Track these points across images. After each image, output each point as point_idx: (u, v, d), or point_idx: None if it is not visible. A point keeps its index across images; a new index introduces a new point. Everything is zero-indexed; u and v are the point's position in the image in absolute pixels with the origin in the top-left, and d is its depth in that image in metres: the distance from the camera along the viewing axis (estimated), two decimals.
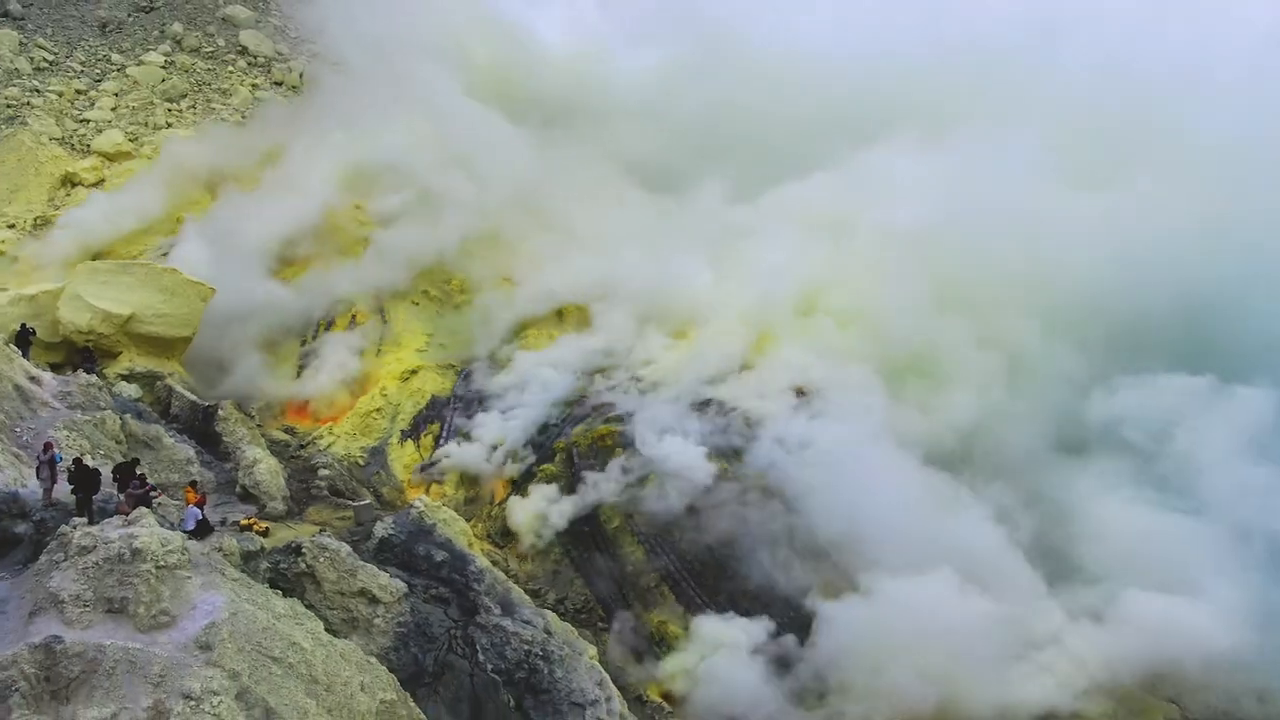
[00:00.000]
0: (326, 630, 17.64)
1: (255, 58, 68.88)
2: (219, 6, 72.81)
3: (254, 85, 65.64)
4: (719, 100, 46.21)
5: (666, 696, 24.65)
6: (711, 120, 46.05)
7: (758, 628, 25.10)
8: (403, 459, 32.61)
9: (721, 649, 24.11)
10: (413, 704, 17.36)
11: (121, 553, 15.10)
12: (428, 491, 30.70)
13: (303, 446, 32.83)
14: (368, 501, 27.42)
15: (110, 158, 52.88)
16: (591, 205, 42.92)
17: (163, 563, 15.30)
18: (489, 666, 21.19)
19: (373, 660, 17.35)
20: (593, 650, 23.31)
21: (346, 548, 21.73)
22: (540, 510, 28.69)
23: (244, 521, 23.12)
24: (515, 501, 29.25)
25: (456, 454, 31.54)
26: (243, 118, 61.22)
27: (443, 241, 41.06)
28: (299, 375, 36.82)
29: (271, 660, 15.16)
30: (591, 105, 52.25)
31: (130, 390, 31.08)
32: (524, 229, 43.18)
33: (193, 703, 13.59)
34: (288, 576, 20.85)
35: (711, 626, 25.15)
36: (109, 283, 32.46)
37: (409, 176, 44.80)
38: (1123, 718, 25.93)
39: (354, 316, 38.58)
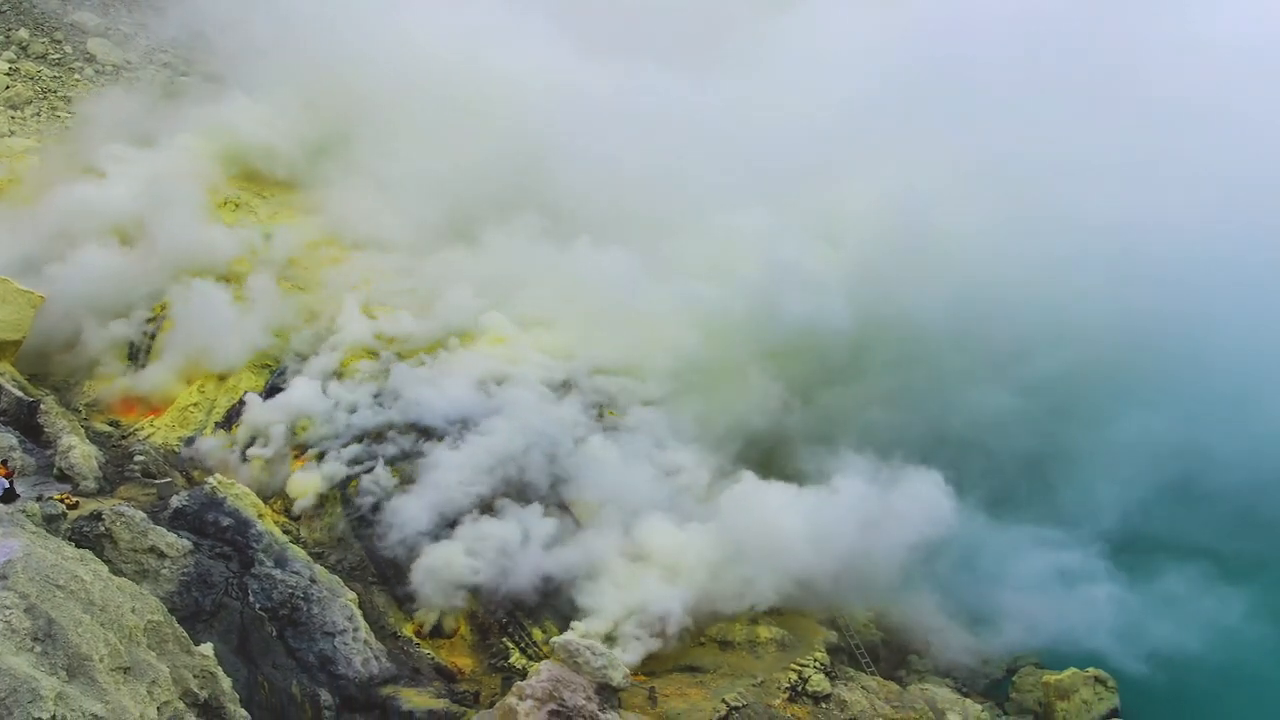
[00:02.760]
0: (111, 573, 22.86)
1: (103, 66, 71.09)
2: (67, 13, 74.64)
3: (100, 94, 68.04)
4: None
5: (416, 632, 30.77)
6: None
7: None
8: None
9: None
10: (177, 625, 22.66)
11: None
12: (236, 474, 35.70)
13: (124, 437, 37.47)
14: (169, 480, 32.51)
15: None
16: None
17: None
18: (257, 605, 26.73)
19: (144, 592, 22.66)
20: (352, 595, 29.10)
21: (142, 514, 26.91)
22: (319, 482, 34.42)
23: (56, 497, 27.96)
24: (300, 475, 34.95)
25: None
26: None
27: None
28: (126, 374, 41.28)
29: (56, 587, 20.36)
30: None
31: None
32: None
33: None
34: (89, 537, 25.93)
35: None
36: None
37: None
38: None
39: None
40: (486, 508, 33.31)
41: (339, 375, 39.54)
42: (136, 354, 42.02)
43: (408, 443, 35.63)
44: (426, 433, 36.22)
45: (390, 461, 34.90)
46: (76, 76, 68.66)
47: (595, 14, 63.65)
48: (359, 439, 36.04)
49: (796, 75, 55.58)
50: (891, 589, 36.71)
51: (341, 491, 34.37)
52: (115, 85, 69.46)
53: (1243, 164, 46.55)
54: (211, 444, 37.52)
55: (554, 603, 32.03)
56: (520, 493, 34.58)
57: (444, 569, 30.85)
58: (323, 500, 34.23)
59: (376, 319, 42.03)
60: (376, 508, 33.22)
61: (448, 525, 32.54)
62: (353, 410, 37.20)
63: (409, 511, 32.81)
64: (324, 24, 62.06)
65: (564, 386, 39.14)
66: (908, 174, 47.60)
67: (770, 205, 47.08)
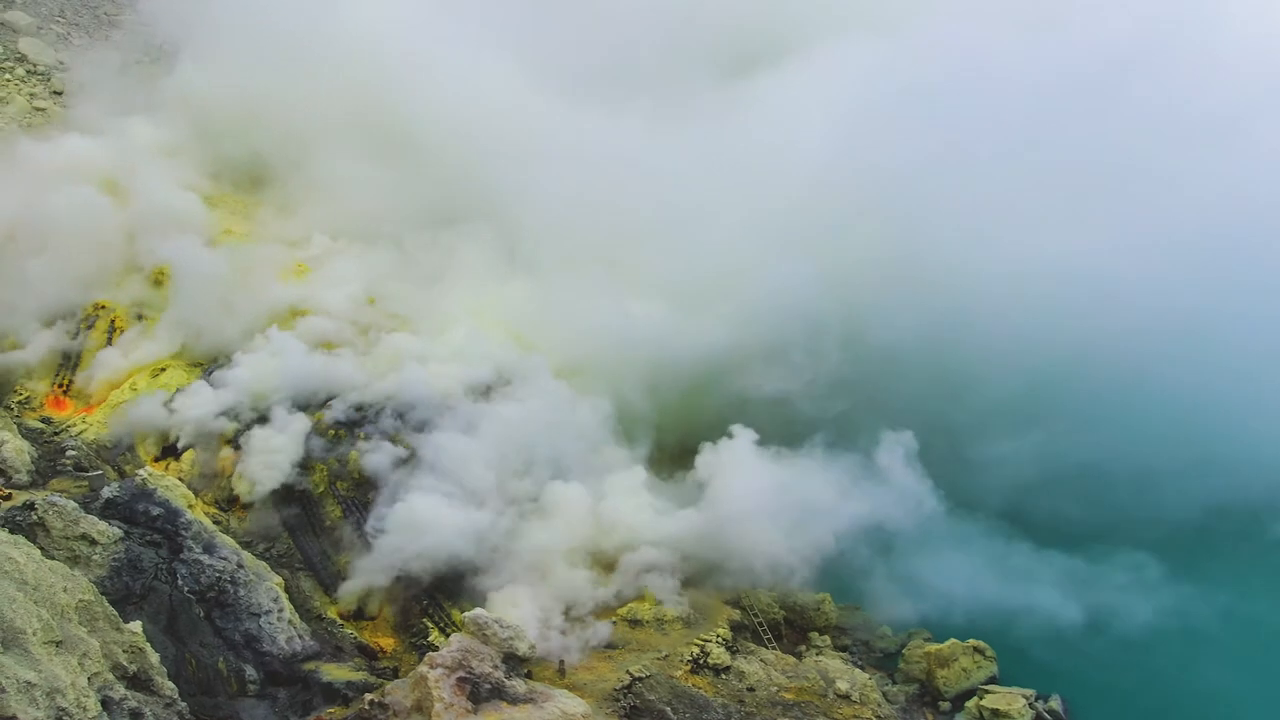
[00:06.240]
0: (44, 557, 24.38)
1: (35, 66, 70.98)
2: None
3: (32, 94, 68.08)
4: None
5: (341, 615, 32.61)
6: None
7: None
8: (146, 442, 38.86)
9: None
10: (108, 605, 24.31)
11: None
12: (167, 469, 37.12)
13: (57, 433, 38.62)
14: (101, 472, 33.88)
15: None
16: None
17: None
18: (186, 589, 28.37)
19: (76, 574, 24.24)
20: (278, 579, 30.85)
21: (73, 504, 28.37)
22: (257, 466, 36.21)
23: None
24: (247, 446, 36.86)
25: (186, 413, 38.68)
26: (19, 127, 64.03)
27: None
28: (59, 373, 42.38)
29: None
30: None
31: None
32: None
33: None
34: (22, 525, 27.37)
35: None
36: None
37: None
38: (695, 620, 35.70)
39: (113, 320, 44.36)
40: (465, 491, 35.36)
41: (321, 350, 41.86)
42: (77, 333, 43.44)
43: (396, 420, 37.96)
44: (407, 412, 38.46)
45: (376, 435, 37.25)
46: (7, 77, 68.54)
47: (580, 58, 65.08)
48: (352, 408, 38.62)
49: (776, 113, 57.95)
50: (826, 566, 39.59)
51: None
52: (47, 86, 69.32)
53: (1208, 190, 49.82)
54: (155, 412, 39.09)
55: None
56: (495, 477, 36.80)
57: (411, 546, 32.95)
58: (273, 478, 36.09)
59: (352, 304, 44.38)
60: (314, 500, 35.15)
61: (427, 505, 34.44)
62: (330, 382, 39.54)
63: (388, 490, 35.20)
64: (280, 38, 62.56)
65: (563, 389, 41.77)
66: (889, 201, 50.37)
67: (762, 237, 49.64)
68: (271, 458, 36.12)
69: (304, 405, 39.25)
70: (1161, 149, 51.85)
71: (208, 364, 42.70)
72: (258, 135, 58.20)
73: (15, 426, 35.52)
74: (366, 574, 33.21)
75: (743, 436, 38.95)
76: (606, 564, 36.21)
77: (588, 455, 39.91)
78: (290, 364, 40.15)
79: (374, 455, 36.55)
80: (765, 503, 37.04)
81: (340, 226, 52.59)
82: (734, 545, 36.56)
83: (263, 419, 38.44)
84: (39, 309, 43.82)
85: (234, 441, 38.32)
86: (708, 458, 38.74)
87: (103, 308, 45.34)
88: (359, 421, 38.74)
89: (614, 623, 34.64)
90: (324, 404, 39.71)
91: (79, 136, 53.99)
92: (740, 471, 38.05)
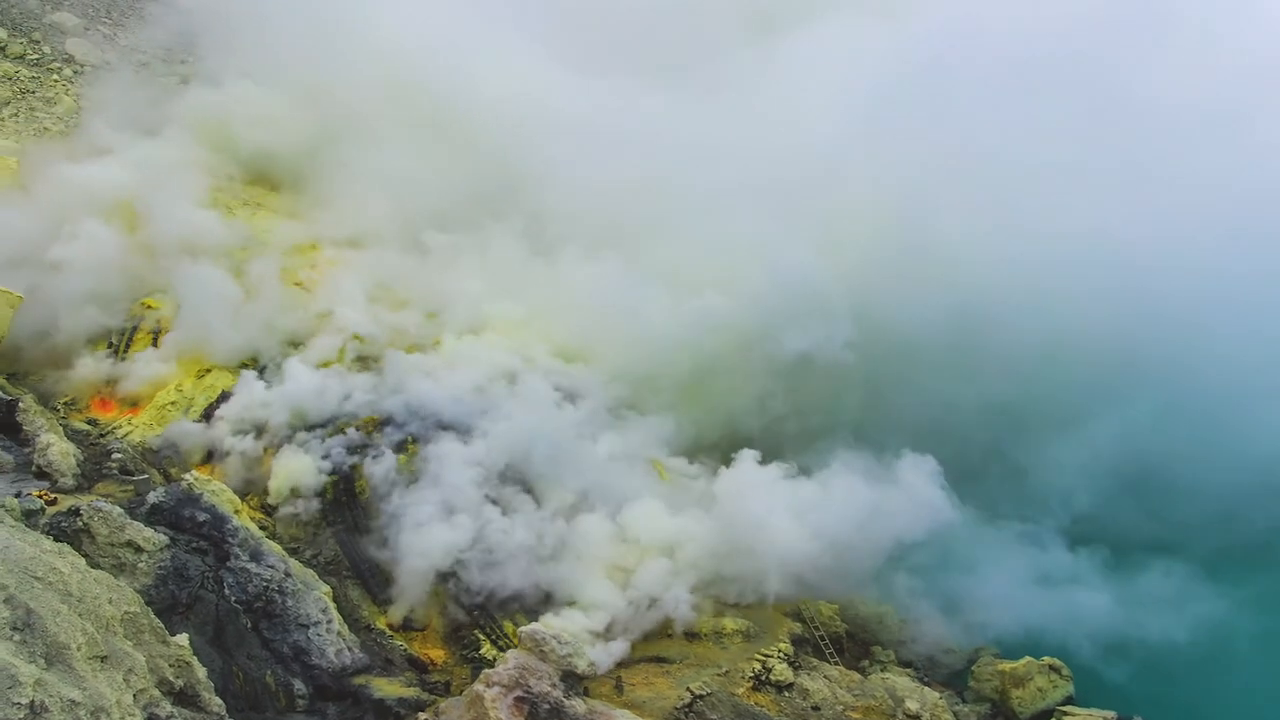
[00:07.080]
0: (88, 566, 23.52)
1: (82, 66, 71.25)
2: (46, 13, 74.70)
3: (79, 95, 68.25)
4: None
5: (390, 625, 31.54)
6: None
7: None
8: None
9: None
10: (154, 617, 23.37)
11: None
12: (212, 472, 36.34)
13: (102, 435, 37.99)
14: (146, 476, 33.13)
15: None
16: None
17: None
18: (233, 598, 27.43)
19: (121, 584, 23.33)
20: (326, 588, 29.84)
21: (119, 510, 27.56)
22: (298, 472, 35.18)
23: (35, 493, 28.58)
24: (277, 464, 35.66)
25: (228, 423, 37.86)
26: (66, 127, 64.17)
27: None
28: (106, 378, 41.92)
29: (35, 579, 21.04)
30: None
31: None
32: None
33: None
34: (68, 532, 26.58)
35: None
36: None
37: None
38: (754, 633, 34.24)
39: (159, 321, 43.80)
40: (481, 500, 34.11)
41: (334, 365, 40.72)
42: (116, 349, 42.76)
43: (405, 434, 36.69)
44: (423, 424, 37.25)
45: (390, 450, 36.10)
46: (55, 77, 68.80)
47: (591, 34, 64.16)
48: (355, 428, 37.28)
49: (790, 90, 56.48)
50: (868, 580, 37.85)
51: (336, 479, 35.41)
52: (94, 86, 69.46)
53: (1226, 174, 47.69)
54: (192, 429, 38.30)
55: (541, 597, 32.76)
56: (512, 486, 35.56)
57: (431, 558, 31.80)
58: (311, 489, 35.04)
59: (370, 314, 43.20)
60: (375, 497, 34.20)
61: (443, 516, 33.29)
62: (346, 398, 38.22)
63: (407, 502, 34.05)
64: (312, 30, 62.04)
65: (558, 390, 40.30)
66: (903, 183, 48.63)
67: (767, 214, 48.06)
68: (302, 476, 35.20)
69: (337, 415, 38.26)
70: (1191, 130, 49.56)
71: (252, 365, 41.88)
72: (287, 134, 57.64)
73: (61, 429, 34.93)
74: (405, 585, 32.27)
75: (750, 457, 37.17)
76: (623, 578, 34.69)
77: (593, 449, 38.67)
78: (312, 376, 39.40)
79: (381, 466, 35.67)
80: (783, 509, 35.21)
81: (366, 227, 51.72)
82: (752, 554, 34.73)
83: (297, 429, 37.54)
84: (87, 326, 43.33)
85: (276, 446, 37.43)
86: (725, 476, 37.05)
87: (149, 308, 44.79)
88: (388, 430, 37.78)
89: (670, 635, 33.35)
90: (356, 414, 38.66)
91: (113, 152, 53.53)
92: (755, 484, 36.21)
